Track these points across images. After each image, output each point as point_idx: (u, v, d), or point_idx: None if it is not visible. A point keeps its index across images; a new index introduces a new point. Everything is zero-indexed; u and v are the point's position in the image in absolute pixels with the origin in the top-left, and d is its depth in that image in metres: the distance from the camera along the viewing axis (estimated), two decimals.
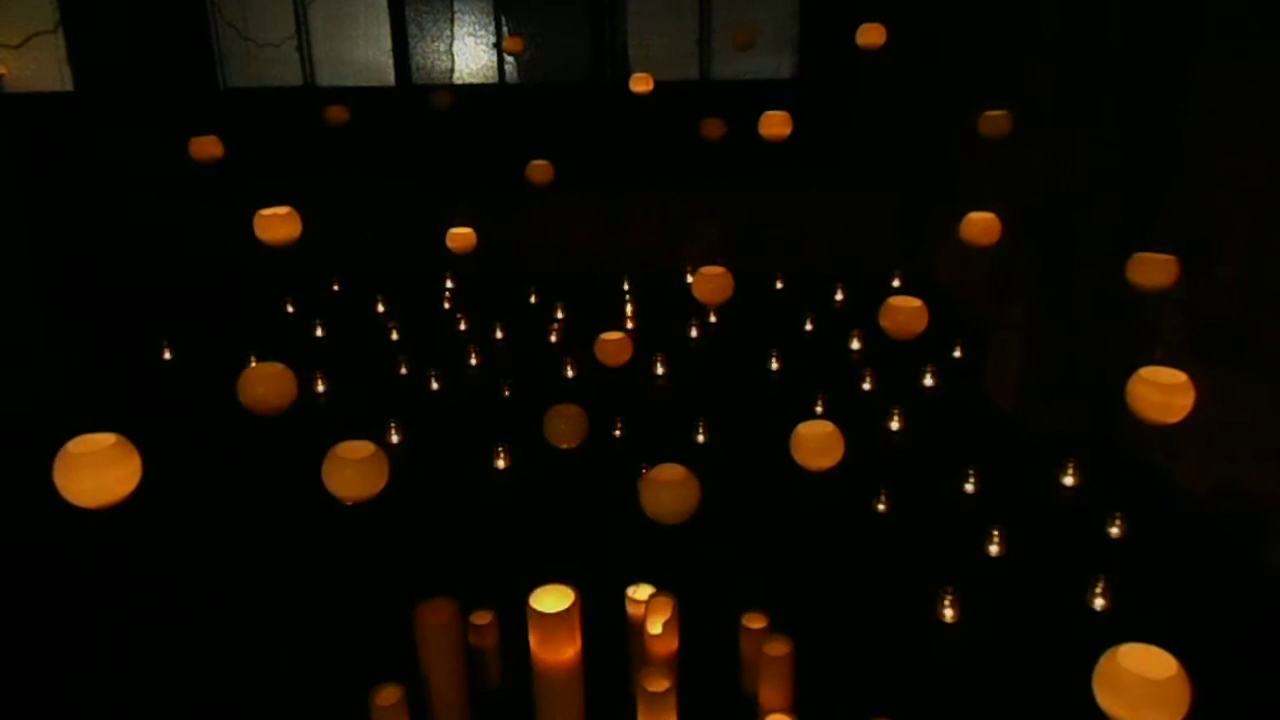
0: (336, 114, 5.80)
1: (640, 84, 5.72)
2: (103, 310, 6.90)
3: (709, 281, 4.02)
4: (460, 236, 5.18)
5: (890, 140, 7.31)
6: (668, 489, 2.65)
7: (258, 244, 3.89)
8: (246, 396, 3.01)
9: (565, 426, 3.74)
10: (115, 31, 7.51)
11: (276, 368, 3.04)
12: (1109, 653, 2.04)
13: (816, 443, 3.15)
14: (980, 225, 4.28)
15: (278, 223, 3.85)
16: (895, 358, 5.27)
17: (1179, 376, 2.96)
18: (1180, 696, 1.95)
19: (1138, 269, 3.60)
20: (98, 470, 2.26)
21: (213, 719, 3.07)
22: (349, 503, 2.79)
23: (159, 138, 4.81)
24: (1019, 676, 3.20)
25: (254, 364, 3.07)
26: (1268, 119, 3.83)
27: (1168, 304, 4.32)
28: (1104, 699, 2.00)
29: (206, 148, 4.75)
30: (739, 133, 5.68)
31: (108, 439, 2.31)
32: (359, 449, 2.75)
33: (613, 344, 4.32)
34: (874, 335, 3.62)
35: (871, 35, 4.89)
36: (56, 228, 7.19)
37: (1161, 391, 2.96)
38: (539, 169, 5.42)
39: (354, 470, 2.71)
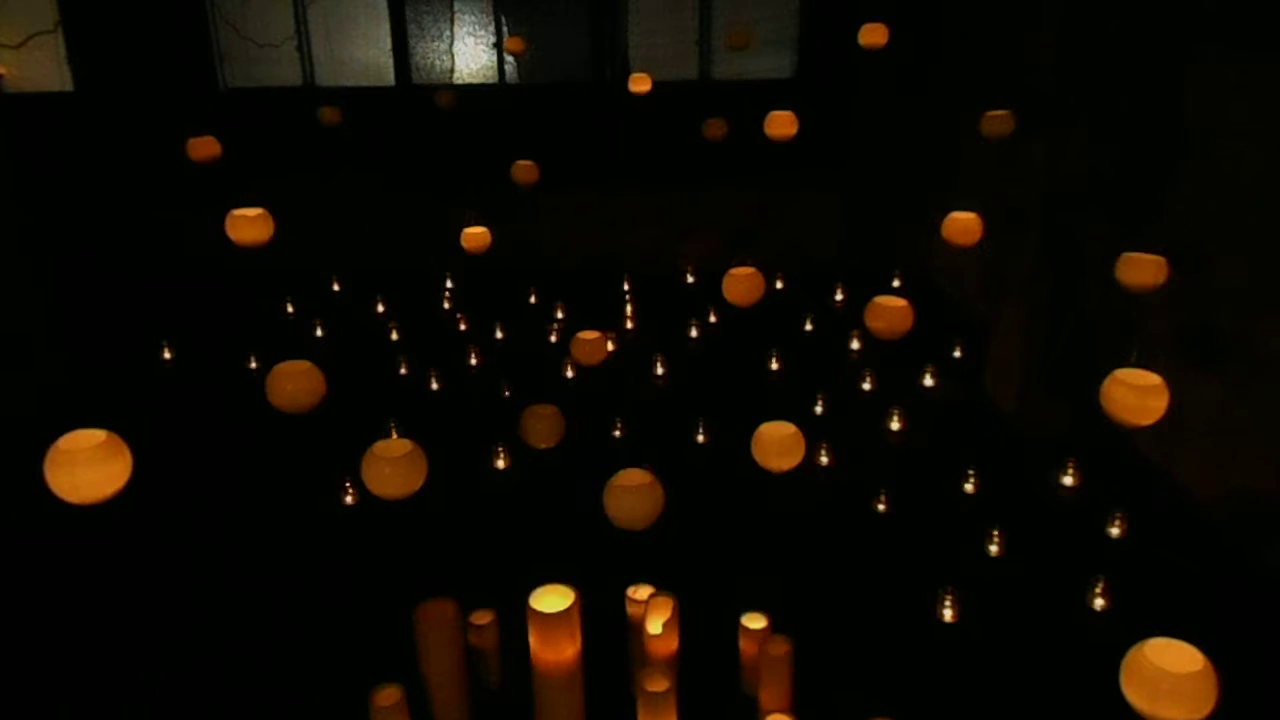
0: (330, 115, 5.83)
1: (638, 84, 5.72)
2: (103, 310, 6.90)
3: (740, 282, 4.00)
4: (475, 236, 5.20)
5: (890, 140, 7.30)
6: (631, 494, 2.64)
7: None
8: (275, 395, 2.96)
9: (541, 426, 3.73)
10: (115, 31, 7.51)
11: (304, 365, 3.00)
12: (1136, 647, 2.02)
13: (777, 444, 3.15)
14: (960, 225, 4.23)
15: (247, 224, 3.82)
16: (895, 358, 5.27)
17: (1153, 379, 2.96)
18: (1207, 691, 1.94)
19: (1126, 269, 3.60)
20: (88, 467, 2.25)
21: (213, 719, 3.08)
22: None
23: (159, 138, 4.80)
24: (1018, 676, 3.20)
25: (282, 363, 2.99)
26: (1267, 118, 3.83)
27: (1167, 304, 4.32)
28: (1131, 693, 1.99)
29: (205, 148, 4.75)
30: (739, 132, 5.68)
31: (98, 435, 2.30)
32: (397, 447, 2.72)
33: (589, 343, 4.33)
34: (874, 335, 3.62)
35: (874, 35, 4.89)
36: (56, 228, 7.19)
37: (1136, 394, 2.96)
38: (523, 169, 5.42)
39: (393, 468, 2.69)
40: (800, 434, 3.17)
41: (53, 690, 3.20)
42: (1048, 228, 4.72)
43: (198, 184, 6.74)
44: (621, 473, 2.69)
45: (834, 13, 7.20)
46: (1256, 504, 3.88)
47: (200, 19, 7.71)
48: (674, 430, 4.88)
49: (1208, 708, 1.94)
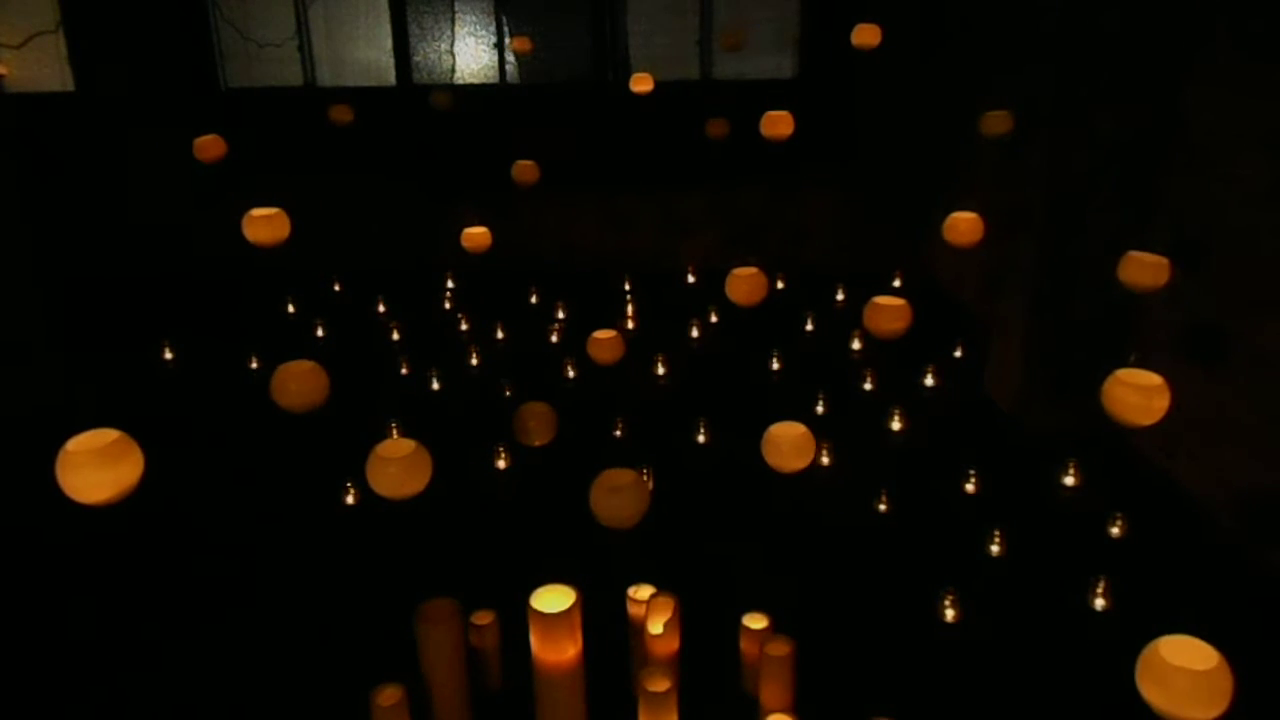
0: (340, 114, 5.78)
1: (640, 84, 5.72)
2: (103, 310, 6.90)
3: (743, 282, 4.00)
4: (476, 236, 5.21)
5: (891, 140, 7.30)
6: (617, 494, 2.64)
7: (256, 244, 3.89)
8: (280, 395, 2.97)
9: (534, 424, 3.73)
10: (115, 31, 7.50)
11: (308, 365, 3.01)
12: (1150, 645, 2.03)
13: (788, 444, 3.15)
14: (959, 225, 4.22)
15: (265, 224, 3.85)
16: (895, 358, 5.27)
17: (1154, 378, 2.97)
18: (1223, 688, 1.95)
19: (1129, 269, 3.60)
20: (101, 467, 2.25)
21: (213, 719, 3.08)
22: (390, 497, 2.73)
23: (159, 138, 4.79)
24: (1019, 677, 3.20)
25: (288, 364, 3.01)
26: (1268, 118, 3.83)
27: (1166, 303, 4.32)
28: (1147, 691, 2.00)
29: (211, 148, 4.75)
30: (740, 132, 5.68)
31: (110, 434, 2.30)
32: (401, 447, 2.72)
33: (605, 342, 4.33)
34: (877, 337, 3.62)
35: (866, 36, 4.88)
36: (57, 228, 7.19)
37: (1139, 393, 2.97)
38: (523, 169, 5.42)
39: (398, 468, 2.69)
40: (811, 434, 3.17)
41: (51, 691, 3.20)
42: (1048, 228, 4.72)
43: (197, 184, 6.77)
44: (607, 472, 2.69)
45: (835, 13, 7.19)
46: (1257, 504, 3.88)
47: (201, 19, 7.70)
48: (675, 430, 4.88)
49: (1223, 705, 1.94)
